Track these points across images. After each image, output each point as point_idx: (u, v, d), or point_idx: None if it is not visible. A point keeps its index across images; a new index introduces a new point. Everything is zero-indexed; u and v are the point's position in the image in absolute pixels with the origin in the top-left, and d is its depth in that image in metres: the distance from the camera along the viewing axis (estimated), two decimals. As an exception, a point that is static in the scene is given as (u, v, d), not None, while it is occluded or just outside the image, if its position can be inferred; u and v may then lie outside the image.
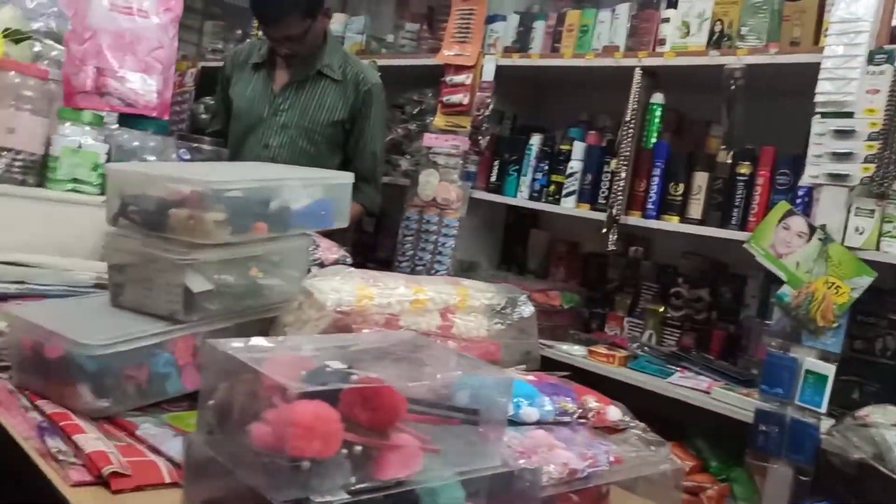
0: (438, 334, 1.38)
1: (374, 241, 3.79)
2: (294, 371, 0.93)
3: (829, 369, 2.13)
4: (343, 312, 1.33)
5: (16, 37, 2.12)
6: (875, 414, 2.07)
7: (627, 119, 2.68)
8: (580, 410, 1.20)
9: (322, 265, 1.81)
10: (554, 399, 1.19)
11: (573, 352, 2.60)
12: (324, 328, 1.34)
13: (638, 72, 2.66)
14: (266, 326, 1.46)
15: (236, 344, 1.02)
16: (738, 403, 2.31)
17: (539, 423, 1.15)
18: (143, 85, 2.13)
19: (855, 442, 2.04)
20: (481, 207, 3.17)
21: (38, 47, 2.23)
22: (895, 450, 1.96)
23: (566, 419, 1.18)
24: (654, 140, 2.69)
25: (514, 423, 1.13)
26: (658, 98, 2.69)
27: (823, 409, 2.13)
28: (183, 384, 1.34)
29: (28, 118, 1.91)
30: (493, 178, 3.13)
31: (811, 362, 2.16)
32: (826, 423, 2.13)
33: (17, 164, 1.89)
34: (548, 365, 1.57)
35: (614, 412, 1.22)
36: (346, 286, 1.37)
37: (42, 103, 1.94)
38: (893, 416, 2.06)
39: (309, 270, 1.64)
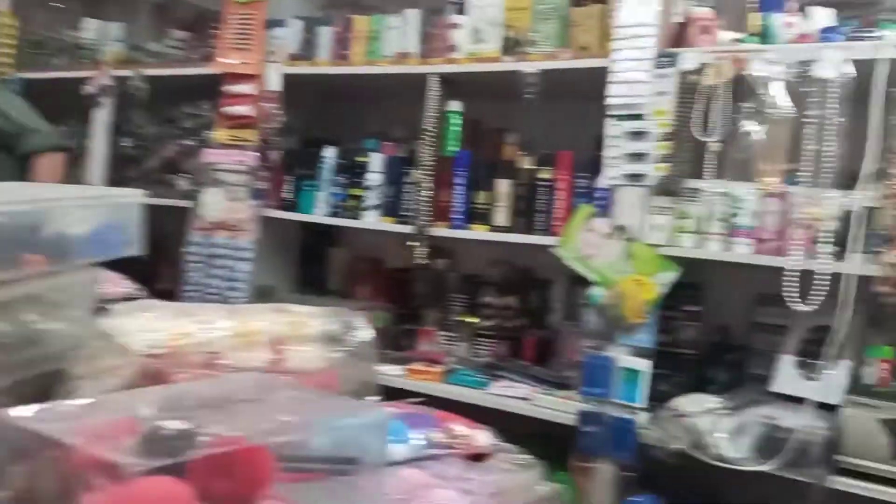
0: (272, 370, 1.19)
1: (151, 271, 3.42)
2: (118, 440, 0.72)
3: (643, 364, 2.19)
4: (155, 356, 1.10)
5: None
6: (687, 404, 2.15)
7: (425, 128, 2.61)
8: (449, 440, 1.08)
9: (110, 302, 1.54)
10: (420, 431, 1.05)
11: (391, 372, 2.47)
12: (129, 378, 1.11)
13: (433, 79, 2.60)
14: (50, 383, 1.19)
15: (25, 411, 0.78)
16: (558, 407, 2.31)
17: (409, 461, 1.01)
18: None
19: (672, 433, 2.10)
20: (274, 227, 2.96)
21: None
22: (709, 436, 2.03)
23: (436, 452, 1.05)
24: (453, 149, 2.64)
25: (381, 464, 0.98)
26: (455, 106, 2.65)
27: (641, 404, 2.18)
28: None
29: None
30: (287, 195, 2.93)
31: (626, 359, 2.20)
32: (645, 418, 2.18)
33: None
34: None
35: (484, 437, 1.11)
36: (155, 324, 1.14)
37: None
38: (702, 403, 2.14)
39: (98, 309, 1.38)
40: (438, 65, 2.61)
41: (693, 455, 2.04)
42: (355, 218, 2.77)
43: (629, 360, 2.20)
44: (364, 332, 1.34)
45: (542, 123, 2.58)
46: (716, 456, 2.01)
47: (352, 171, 2.80)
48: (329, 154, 2.86)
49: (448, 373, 2.52)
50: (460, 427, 1.11)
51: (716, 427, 2.04)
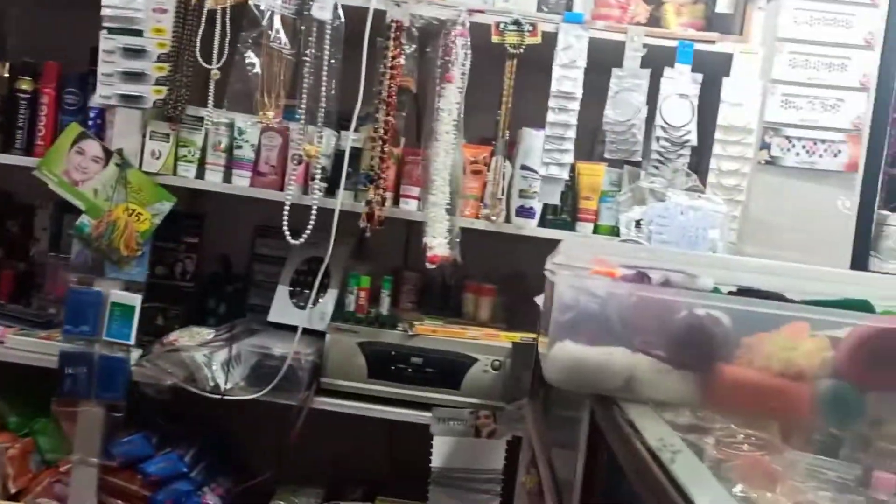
0: None
1: None
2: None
3: (136, 299, 2.07)
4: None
5: None
6: (183, 337, 2.10)
7: None
8: None
9: None
10: None
11: None
12: None
13: None
14: None
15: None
16: (38, 349, 2.08)
17: None
18: None
19: (167, 368, 2.04)
20: None
21: None
22: (205, 368, 2.02)
23: None
24: None
25: None
26: None
27: (132, 341, 2.06)
28: None
29: None
30: None
31: (117, 294, 2.06)
32: (136, 355, 2.08)
33: None
34: None
35: None
36: None
37: None
38: (199, 336, 2.12)
39: None
40: None
41: (188, 389, 2.01)
42: None
43: (121, 294, 2.06)
44: None
45: (28, 28, 2.23)
46: (211, 388, 2.00)
47: None
48: None
49: None
50: None
51: (211, 359, 2.03)
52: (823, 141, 2.10)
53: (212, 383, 2.01)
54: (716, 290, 1.04)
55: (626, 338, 0.95)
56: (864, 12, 2.07)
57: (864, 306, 1.00)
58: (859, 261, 2.18)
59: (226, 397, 2.01)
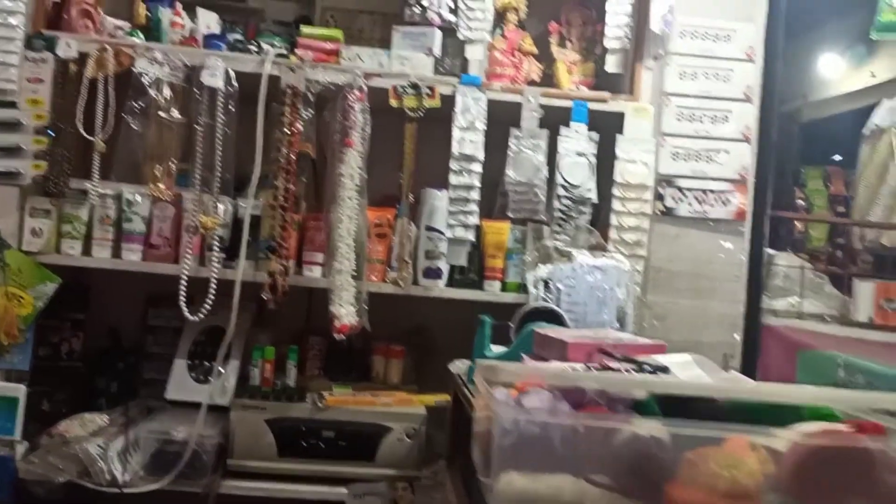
0: None
1: None
2: None
3: (20, 390, 1.92)
4: None
5: None
6: (73, 426, 1.96)
7: None
8: None
9: None
10: None
11: None
12: None
13: None
14: None
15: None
16: None
17: None
18: None
19: (57, 464, 1.89)
20: None
21: None
22: (99, 461, 1.89)
23: None
24: None
25: None
26: None
27: (18, 435, 1.90)
28: None
29: None
30: None
31: (-1, 386, 1.90)
32: (22, 449, 1.92)
33: None
34: None
35: None
36: None
37: None
38: (91, 424, 1.98)
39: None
40: None
41: (82, 484, 1.87)
42: None
43: (2, 386, 1.90)
44: None
45: None
46: (108, 482, 1.87)
47: None
48: None
49: None
50: None
51: (106, 450, 1.90)
52: (713, 191, 2.18)
53: (108, 476, 1.87)
54: (649, 402, 1.04)
55: (571, 464, 0.93)
56: (742, 67, 2.18)
57: (827, 414, 1.02)
58: (753, 300, 2.27)
59: (125, 490, 1.88)
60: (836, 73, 3.92)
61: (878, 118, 2.79)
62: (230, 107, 1.96)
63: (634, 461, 0.92)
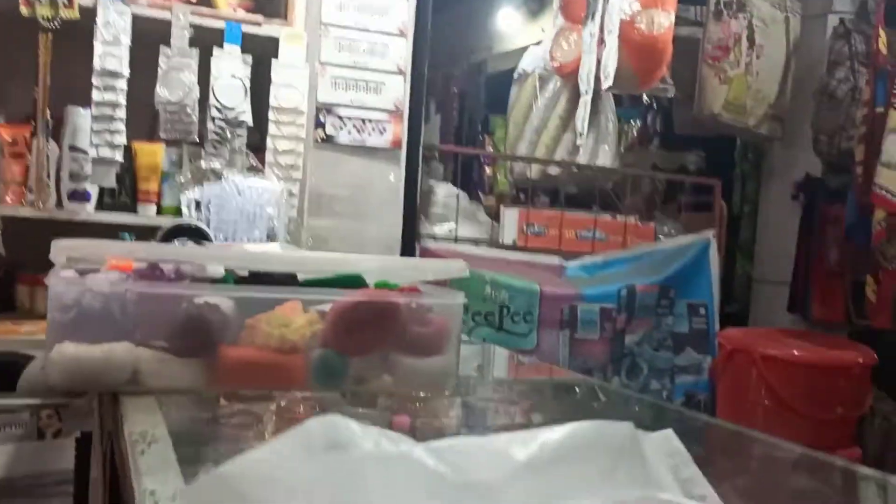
0: None
1: None
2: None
3: None
4: None
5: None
6: None
7: None
8: None
9: None
10: None
11: None
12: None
13: None
14: None
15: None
16: None
17: None
18: None
19: None
20: None
21: None
22: None
23: None
24: None
25: None
26: None
27: None
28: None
29: None
30: None
31: None
32: None
33: None
34: None
35: None
36: None
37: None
38: None
39: None
40: None
41: None
42: None
43: None
44: None
45: None
46: None
47: None
48: None
49: None
50: None
51: None
52: (371, 120, 2.30)
53: None
54: (227, 278, 1.10)
55: (131, 333, 0.97)
56: (398, 3, 2.30)
57: (357, 281, 1.14)
58: (409, 224, 2.44)
59: None
60: (514, 27, 4.24)
61: (525, 63, 3.06)
62: None
63: (187, 324, 0.98)
